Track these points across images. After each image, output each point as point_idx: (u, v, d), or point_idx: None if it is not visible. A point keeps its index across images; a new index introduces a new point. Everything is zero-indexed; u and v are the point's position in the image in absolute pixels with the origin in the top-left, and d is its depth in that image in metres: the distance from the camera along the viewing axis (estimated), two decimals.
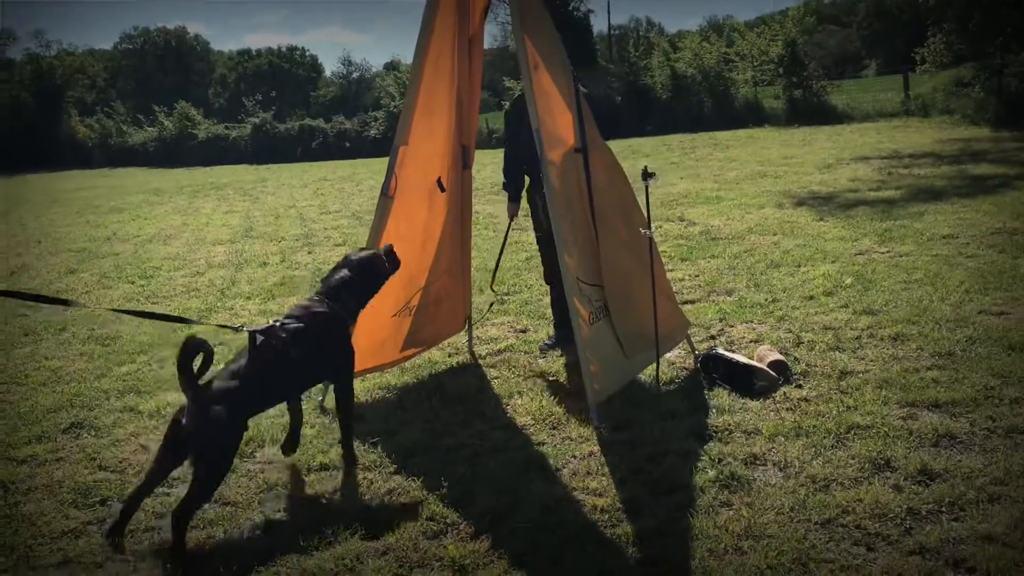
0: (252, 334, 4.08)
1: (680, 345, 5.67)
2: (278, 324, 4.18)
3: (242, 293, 9.01)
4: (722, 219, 10.76)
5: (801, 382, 5.02)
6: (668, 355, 5.58)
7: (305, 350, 4.18)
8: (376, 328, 5.34)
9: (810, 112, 26.89)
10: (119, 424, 5.34)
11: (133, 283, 10.08)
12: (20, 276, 11.06)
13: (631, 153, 21.35)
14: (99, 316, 8.27)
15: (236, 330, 4.19)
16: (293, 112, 45.32)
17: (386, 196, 5.11)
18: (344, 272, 4.54)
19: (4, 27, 62.36)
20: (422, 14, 4.96)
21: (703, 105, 29.93)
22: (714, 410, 4.73)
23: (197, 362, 3.89)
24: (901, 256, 7.91)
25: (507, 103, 32.93)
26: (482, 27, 5.35)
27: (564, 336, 5.90)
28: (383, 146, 29.31)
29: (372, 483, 4.29)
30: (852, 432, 4.27)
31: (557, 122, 4.89)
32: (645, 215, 5.16)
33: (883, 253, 8.11)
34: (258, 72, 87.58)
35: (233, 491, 4.27)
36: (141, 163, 39.53)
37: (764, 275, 7.71)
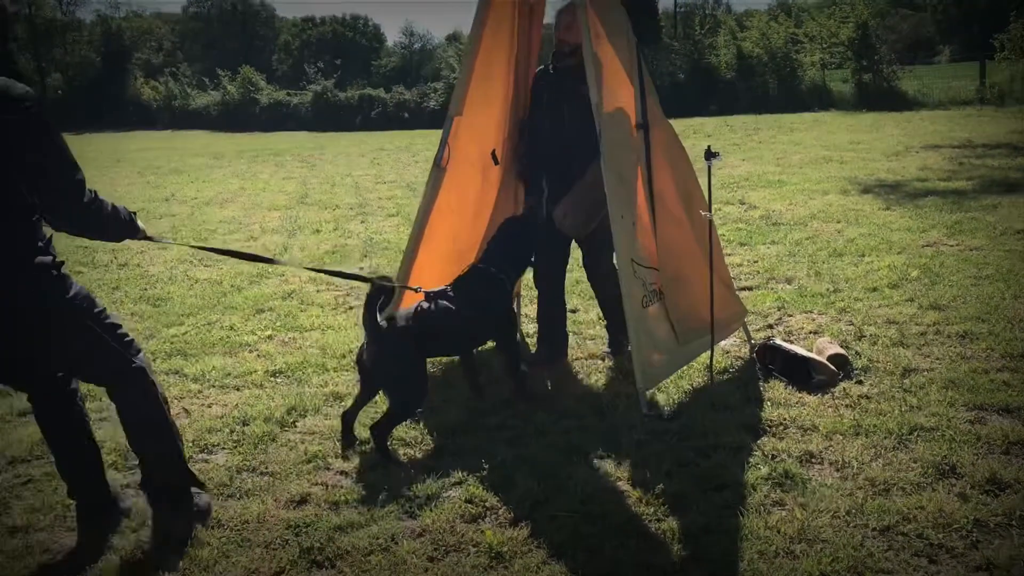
0: (428, 295, 4.57)
1: (736, 333, 5.48)
2: (448, 289, 4.66)
3: (294, 260, 8.98)
4: (784, 204, 10.45)
5: (862, 378, 4.80)
6: (723, 343, 5.39)
7: (471, 309, 4.60)
8: None
9: (880, 97, 26.15)
10: (165, 387, 5.30)
11: (188, 245, 10.11)
12: None
13: (692, 133, 20.94)
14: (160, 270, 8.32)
15: (416, 291, 4.60)
16: (354, 81, 45.40)
17: (439, 167, 4.98)
18: (503, 239, 4.90)
19: None
20: None
21: (768, 86, 29.27)
22: (769, 403, 4.54)
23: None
24: (972, 250, 7.58)
25: None
26: None
27: (549, 355, 5.40)
28: (441, 118, 28.98)
29: (413, 460, 4.19)
30: (915, 434, 4.05)
31: (619, 96, 4.71)
32: (706, 197, 4.96)
33: (952, 246, 7.78)
34: (321, 40, 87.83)
35: (273, 461, 4.21)
36: (204, 126, 39.96)
37: (826, 264, 7.45)
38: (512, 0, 4.96)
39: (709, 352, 4.98)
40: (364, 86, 41.20)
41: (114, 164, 21.77)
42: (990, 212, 9.12)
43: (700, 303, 4.96)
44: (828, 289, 6.64)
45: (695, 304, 4.95)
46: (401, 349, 4.32)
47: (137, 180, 17.58)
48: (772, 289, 6.80)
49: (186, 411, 4.90)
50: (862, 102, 26.19)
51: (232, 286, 7.93)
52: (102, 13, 58.52)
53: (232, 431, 4.56)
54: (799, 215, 9.66)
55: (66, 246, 10.20)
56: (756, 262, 7.74)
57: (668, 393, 4.74)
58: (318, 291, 7.63)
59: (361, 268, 8.42)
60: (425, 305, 4.53)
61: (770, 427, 4.26)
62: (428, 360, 4.61)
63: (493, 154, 5.19)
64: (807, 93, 28.26)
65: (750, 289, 6.83)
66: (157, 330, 6.56)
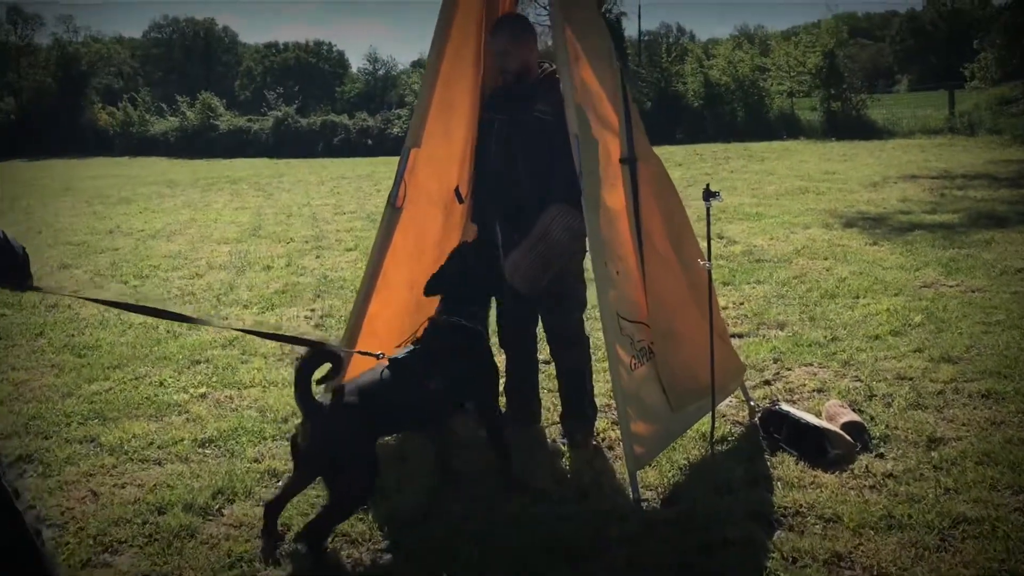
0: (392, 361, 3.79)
1: (734, 394, 4.84)
2: (413, 349, 3.92)
3: (240, 300, 8.24)
4: (765, 238, 9.89)
5: (883, 450, 4.16)
6: (719, 406, 4.74)
7: (443, 374, 3.85)
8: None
9: (848, 126, 25.94)
10: (73, 459, 4.55)
11: (126, 283, 9.35)
12: None
13: (663, 161, 20.48)
14: (80, 320, 7.54)
15: (377, 358, 3.76)
16: (317, 107, 44.69)
17: (393, 207, 4.30)
18: (462, 273, 4.11)
19: (33, 12, 62.04)
20: None
21: (736, 114, 29.00)
22: (779, 483, 3.88)
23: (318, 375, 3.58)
24: (974, 292, 7.03)
25: None
26: (514, 10, 4.52)
27: (519, 420, 4.66)
28: None
29: (358, 564, 3.48)
30: (960, 528, 3.40)
31: (601, 127, 4.07)
32: (703, 240, 4.34)
33: (952, 287, 7.23)
34: (284, 66, 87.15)
35: (189, 565, 3.47)
36: (162, 153, 39.01)
37: (819, 306, 6.86)
38: (476, 19, 4.31)
39: (709, 419, 4.33)
40: (327, 112, 40.54)
41: (62, 192, 20.86)
42: (984, 248, 8.61)
43: (694, 361, 4.33)
44: (826, 337, 6.04)
45: (689, 362, 4.31)
46: (346, 429, 3.51)
47: (83, 210, 16.70)
48: (764, 336, 6.18)
49: (94, 493, 4.15)
50: (831, 131, 25.95)
51: (168, 331, 7.16)
52: (60, 37, 57.47)
53: (145, 522, 3.81)
54: (783, 251, 9.10)
55: None
56: (742, 304, 7.14)
57: (661, 470, 4.07)
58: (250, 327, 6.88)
59: (311, 313, 7.69)
60: (379, 373, 3.77)
61: (784, 516, 3.60)
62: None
63: (457, 191, 4.52)
64: (775, 121, 28.02)
65: (741, 336, 6.21)
66: (77, 387, 5.78)
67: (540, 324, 4.68)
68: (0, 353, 6.72)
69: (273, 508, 3.66)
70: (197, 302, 8.29)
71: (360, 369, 3.99)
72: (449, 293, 4.11)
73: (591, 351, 4.62)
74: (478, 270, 4.14)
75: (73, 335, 7.18)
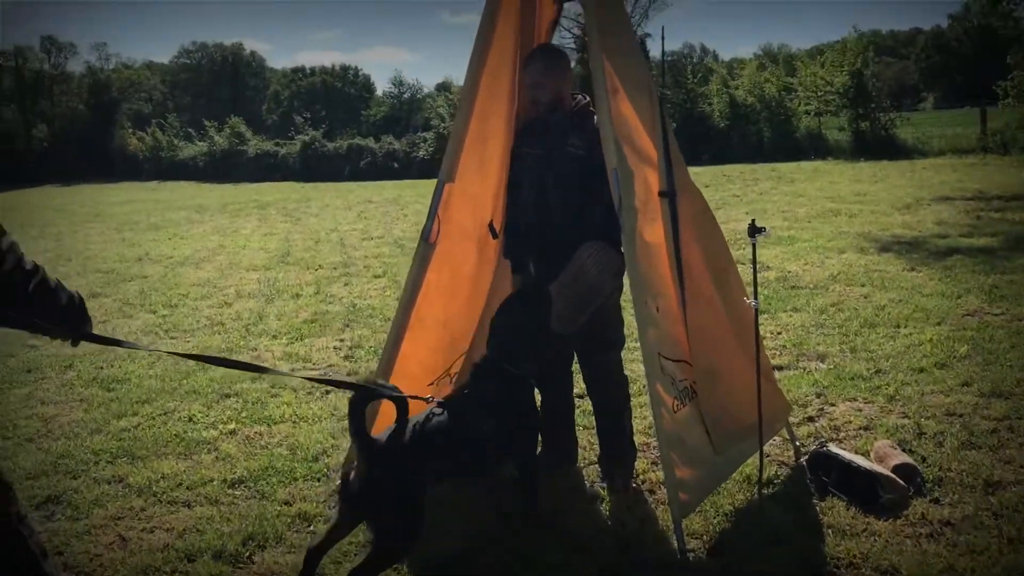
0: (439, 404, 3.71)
1: (778, 433, 4.68)
2: (464, 393, 3.88)
3: (268, 331, 8.16)
4: (799, 263, 9.71)
5: (938, 494, 3.99)
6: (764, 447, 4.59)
7: (495, 419, 3.75)
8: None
9: (877, 145, 25.70)
10: (101, 502, 4.47)
11: (155, 312, 9.31)
12: None
13: None
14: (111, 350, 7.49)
15: (427, 401, 3.69)
16: (343, 131, 44.95)
17: (427, 242, 4.20)
18: (508, 324, 3.95)
19: (67, 40, 63.03)
20: (478, 25, 4.06)
21: (763, 134, 28.81)
22: (831, 532, 3.71)
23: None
24: (1021, 320, 6.82)
25: None
26: (550, 38, 4.42)
27: (553, 462, 4.51)
28: (431, 168, 28.65)
29: None
30: None
31: (639, 160, 3.95)
32: (746, 276, 4.20)
33: (997, 315, 7.02)
34: (311, 90, 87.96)
35: None
36: (191, 177, 39.37)
37: (859, 336, 6.68)
38: (511, 50, 4.21)
39: (754, 462, 4.17)
40: (353, 136, 40.79)
41: (92, 218, 21.04)
42: None
43: (737, 400, 4.18)
44: (869, 370, 5.86)
45: (732, 402, 4.16)
46: (400, 472, 3.39)
47: (113, 237, 16.79)
48: (805, 369, 6.01)
49: (122, 539, 4.05)
50: (859, 150, 25.71)
51: (197, 364, 7.09)
52: (92, 65, 58.32)
53: (174, 571, 3.71)
54: (818, 277, 8.92)
55: None
56: (780, 333, 6.97)
57: (707, 517, 3.91)
58: (292, 370, 6.80)
59: (340, 343, 7.59)
60: (432, 416, 3.65)
61: (839, 567, 3.44)
62: None
63: (491, 226, 4.41)
64: (802, 141, 27.82)
65: (780, 368, 6.04)
66: (106, 423, 5.71)
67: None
68: (30, 387, 6.68)
69: (315, 554, 3.52)
70: (226, 332, 8.23)
71: (387, 413, 3.89)
72: (498, 340, 3.98)
73: (628, 389, 4.47)
74: (527, 321, 3.97)
75: (102, 367, 7.13)
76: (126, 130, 48.63)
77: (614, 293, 4.18)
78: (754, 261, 4.07)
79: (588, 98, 4.20)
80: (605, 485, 4.31)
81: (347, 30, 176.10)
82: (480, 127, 4.20)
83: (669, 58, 37.31)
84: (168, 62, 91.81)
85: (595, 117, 4.06)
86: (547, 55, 4.15)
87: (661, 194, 3.99)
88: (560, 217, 4.14)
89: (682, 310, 4.00)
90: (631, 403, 4.51)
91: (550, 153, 4.16)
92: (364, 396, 3.39)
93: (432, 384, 4.54)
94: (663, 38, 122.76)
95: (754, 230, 3.87)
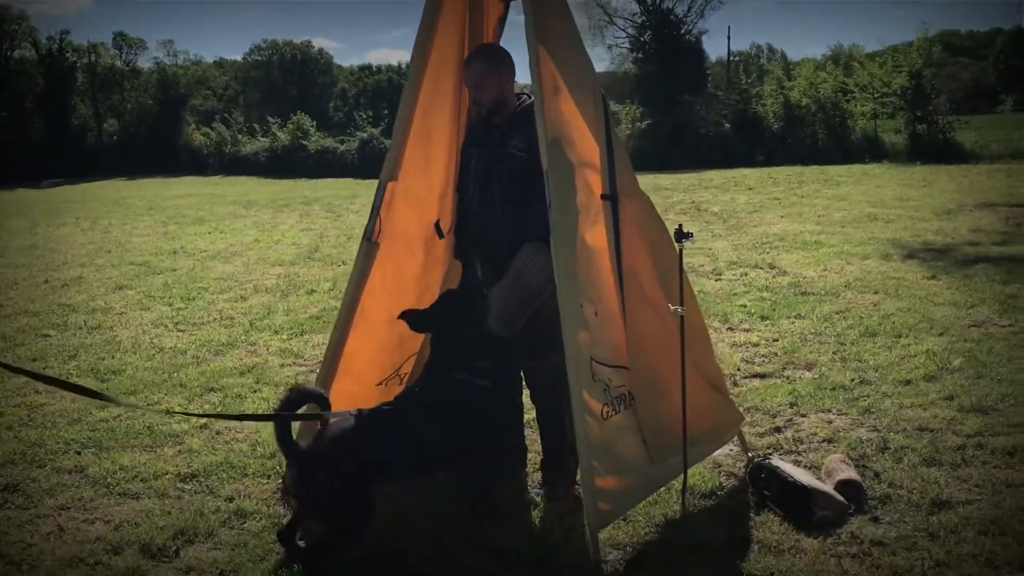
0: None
1: (734, 442, 4.56)
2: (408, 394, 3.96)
3: (272, 326, 8.24)
4: (817, 269, 9.48)
5: (879, 513, 3.84)
6: (717, 454, 4.48)
7: (441, 426, 3.79)
8: (359, 398, 4.38)
9: (934, 149, 24.97)
10: (55, 491, 4.55)
11: (171, 305, 9.47)
12: (69, 289, 10.63)
13: (733, 185, 20.06)
14: (115, 343, 7.65)
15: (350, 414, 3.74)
16: None
17: (369, 241, 4.19)
18: (451, 327, 3.98)
19: (137, 36, 64.65)
20: (420, 18, 4.03)
21: (817, 136, 28.23)
22: (758, 547, 3.60)
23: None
24: None
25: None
26: (497, 37, 4.36)
27: (501, 465, 4.38)
28: None
29: None
30: None
31: (579, 161, 3.88)
32: (686, 284, 4.09)
33: (1004, 327, 6.75)
34: (377, 88, 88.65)
35: None
36: (253, 172, 39.97)
37: (855, 346, 6.48)
38: (455, 43, 4.17)
39: (703, 471, 4.07)
40: None
41: (144, 211, 21.51)
42: None
43: (681, 409, 4.08)
44: (853, 380, 5.68)
45: (676, 411, 4.06)
46: (330, 474, 3.53)
47: (157, 230, 17.14)
48: (787, 378, 5.86)
49: (61, 529, 4.12)
50: (915, 154, 25.00)
51: (195, 357, 7.21)
52: (160, 61, 59.71)
53: (97, 563, 3.76)
54: (832, 283, 8.69)
55: (48, 303, 9.65)
56: (775, 341, 6.80)
57: (635, 527, 3.83)
58: (282, 366, 6.87)
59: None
60: (367, 420, 3.71)
61: None
62: None
63: (437, 226, 4.37)
64: (857, 144, 27.17)
65: (761, 377, 5.90)
66: (88, 413, 5.81)
67: None
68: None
69: (286, 535, 3.71)
70: (233, 326, 8.33)
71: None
72: (439, 348, 4.03)
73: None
74: (464, 318, 4.00)
75: (103, 358, 7.28)
76: (192, 125, 49.67)
77: (553, 296, 4.10)
78: (680, 269, 3.94)
79: (533, 98, 4.14)
80: (542, 492, 4.25)
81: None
82: (423, 126, 4.17)
83: (734, 58, 36.69)
84: (240, 59, 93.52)
85: None
86: (488, 54, 4.10)
87: (603, 197, 3.92)
88: (503, 218, 4.09)
89: (623, 314, 3.92)
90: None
91: (493, 154, 4.11)
92: (293, 398, 3.64)
93: (381, 384, 4.54)
94: (728, 38, 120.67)
95: (681, 235, 3.76)
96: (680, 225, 3.79)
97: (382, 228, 4.18)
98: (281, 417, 3.60)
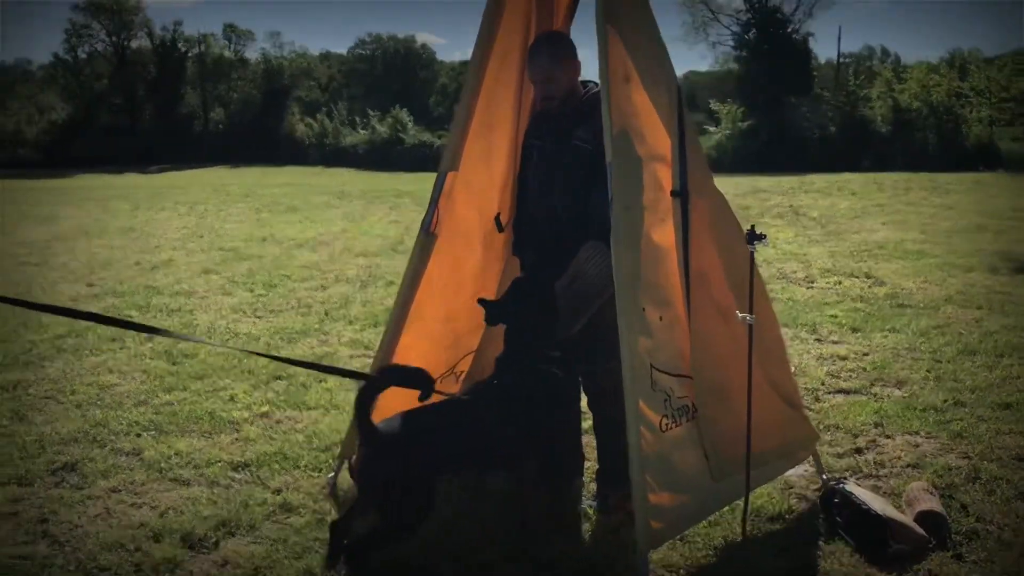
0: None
1: (808, 462, 4.24)
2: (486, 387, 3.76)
3: (347, 316, 8.20)
4: (918, 281, 8.96)
5: (963, 550, 3.49)
6: (790, 473, 4.18)
7: (518, 419, 3.62)
8: (411, 395, 4.23)
9: None
10: (109, 473, 4.54)
11: (252, 291, 9.54)
12: (158, 272, 10.84)
13: (835, 190, 19.33)
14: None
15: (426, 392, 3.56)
16: None
17: (427, 233, 4.03)
18: (526, 314, 3.76)
19: (246, 28, 66.31)
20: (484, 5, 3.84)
21: (927, 142, 27.04)
22: None
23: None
24: None
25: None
26: (567, 24, 4.14)
27: (555, 472, 4.10)
28: None
29: None
30: None
31: (649, 155, 3.64)
32: (760, 290, 3.80)
33: None
34: None
35: None
36: (352, 164, 40.59)
37: (952, 364, 6.04)
38: (521, 28, 3.96)
39: (770, 491, 3.79)
40: None
41: (241, 198, 21.95)
42: None
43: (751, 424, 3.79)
44: (946, 401, 5.27)
45: (742, 426, 3.78)
46: (402, 459, 3.36)
47: (250, 217, 17.44)
48: (874, 396, 5.48)
49: (108, 512, 4.08)
50: None
51: (267, 344, 7.21)
52: (266, 52, 61.12)
53: (137, 549, 3.70)
54: (932, 296, 8.18)
55: (136, 285, 9.83)
56: (866, 355, 6.39)
57: (692, 548, 3.58)
58: (351, 357, 6.80)
59: None
60: (442, 408, 3.60)
61: None
62: None
63: (497, 219, 4.18)
64: (971, 151, 25.91)
65: (846, 393, 5.53)
66: (154, 395, 5.84)
67: None
68: (105, 355, 6.91)
69: (338, 528, 3.53)
70: (309, 315, 8.32)
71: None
72: (513, 336, 3.81)
73: None
74: (539, 306, 3.79)
75: (177, 341, 7.33)
76: (295, 116, 50.75)
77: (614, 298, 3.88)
78: (752, 272, 3.65)
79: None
80: (595, 504, 4.02)
81: None
82: (485, 116, 3.98)
83: (846, 60, 35.54)
84: (345, 53, 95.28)
85: None
86: (552, 45, 3.87)
87: (673, 194, 3.67)
88: (564, 213, 3.88)
89: (686, 321, 3.67)
90: None
91: (556, 146, 3.90)
92: (374, 383, 3.46)
93: (436, 381, 4.37)
94: (839, 39, 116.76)
95: (753, 236, 3.48)
96: (752, 226, 3.51)
97: (440, 219, 4.02)
98: (374, 378, 3.50)
